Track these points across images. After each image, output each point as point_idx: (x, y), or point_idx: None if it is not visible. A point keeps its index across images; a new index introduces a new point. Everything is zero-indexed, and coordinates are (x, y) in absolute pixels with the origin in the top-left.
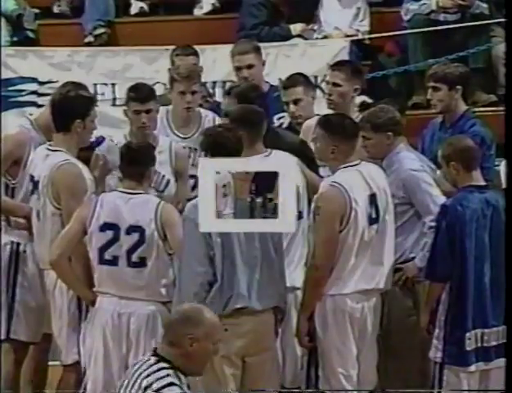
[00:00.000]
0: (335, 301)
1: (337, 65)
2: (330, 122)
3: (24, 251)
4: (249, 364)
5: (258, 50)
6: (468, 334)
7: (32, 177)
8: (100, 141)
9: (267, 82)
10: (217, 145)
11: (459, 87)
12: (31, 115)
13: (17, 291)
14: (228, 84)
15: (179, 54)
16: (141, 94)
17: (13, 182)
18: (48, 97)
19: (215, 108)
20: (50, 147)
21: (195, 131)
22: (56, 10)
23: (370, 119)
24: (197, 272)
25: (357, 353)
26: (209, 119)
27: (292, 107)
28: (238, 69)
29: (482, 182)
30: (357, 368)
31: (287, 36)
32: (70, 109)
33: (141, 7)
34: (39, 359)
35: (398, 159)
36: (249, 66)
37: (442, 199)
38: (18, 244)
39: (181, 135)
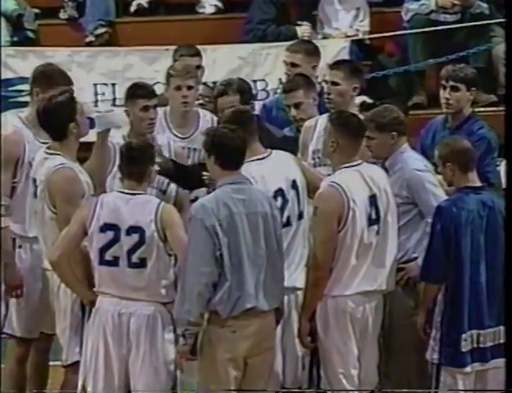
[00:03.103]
0: (337, 302)
1: (336, 64)
2: (336, 116)
3: (20, 247)
4: (251, 365)
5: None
6: (464, 335)
7: (34, 180)
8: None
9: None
10: (221, 145)
11: (474, 88)
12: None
13: None
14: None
15: (183, 54)
16: (146, 91)
17: (13, 180)
18: None
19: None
20: (48, 151)
21: (194, 131)
22: (62, 16)
23: (374, 119)
24: (203, 272)
25: (358, 353)
26: (207, 119)
27: (293, 111)
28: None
29: (478, 184)
30: (358, 368)
31: (292, 37)
32: (58, 119)
33: (139, 4)
34: (39, 359)
35: (402, 158)
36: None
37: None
38: (14, 239)
39: (179, 135)
